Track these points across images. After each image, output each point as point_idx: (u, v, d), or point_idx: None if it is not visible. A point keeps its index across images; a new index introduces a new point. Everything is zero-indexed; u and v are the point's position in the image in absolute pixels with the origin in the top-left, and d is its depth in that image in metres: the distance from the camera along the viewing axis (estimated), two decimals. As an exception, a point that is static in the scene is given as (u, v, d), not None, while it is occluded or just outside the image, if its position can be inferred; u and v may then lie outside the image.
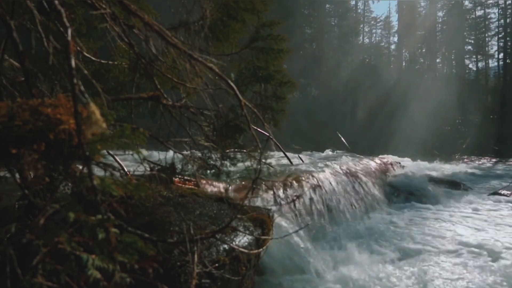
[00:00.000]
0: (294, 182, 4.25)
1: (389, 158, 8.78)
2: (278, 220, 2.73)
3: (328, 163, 5.84)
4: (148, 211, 1.81)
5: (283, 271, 2.73)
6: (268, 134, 1.69)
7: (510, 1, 29.37)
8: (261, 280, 2.59)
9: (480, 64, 32.64)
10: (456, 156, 19.51)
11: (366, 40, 35.97)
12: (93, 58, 1.79)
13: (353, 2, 34.93)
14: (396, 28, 34.89)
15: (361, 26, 34.95)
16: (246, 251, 1.80)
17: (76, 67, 0.70)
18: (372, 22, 36.15)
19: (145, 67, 1.69)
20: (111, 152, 1.73)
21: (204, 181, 2.82)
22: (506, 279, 2.89)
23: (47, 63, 1.19)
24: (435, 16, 32.38)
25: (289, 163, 5.51)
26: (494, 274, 3.00)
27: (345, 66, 31.35)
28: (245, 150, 1.84)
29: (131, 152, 0.78)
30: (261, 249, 2.00)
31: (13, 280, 0.67)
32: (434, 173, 8.75)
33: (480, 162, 16.91)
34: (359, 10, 35.36)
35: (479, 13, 31.94)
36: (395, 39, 35.02)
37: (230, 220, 1.61)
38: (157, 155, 1.83)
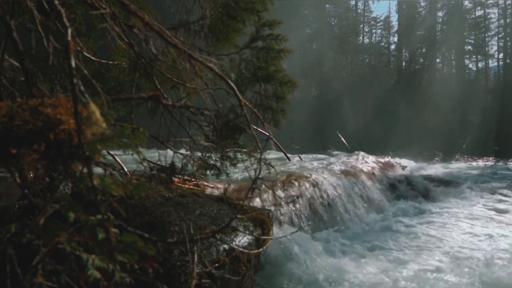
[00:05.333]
0: (294, 182, 4.26)
1: (389, 158, 8.78)
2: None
3: (324, 163, 5.85)
4: (148, 211, 1.81)
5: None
6: (268, 134, 1.69)
7: (510, 1, 29.38)
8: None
9: (480, 64, 32.66)
10: (456, 156, 19.51)
11: (366, 40, 35.94)
12: (93, 58, 1.79)
13: (353, 2, 34.91)
14: (396, 28, 34.87)
15: (361, 26, 34.92)
16: (246, 251, 1.80)
17: (76, 67, 0.70)
18: (372, 22, 36.09)
19: (145, 67, 1.68)
20: (111, 152, 1.73)
21: (206, 183, 2.82)
22: (508, 276, 2.90)
23: (47, 63, 1.19)
24: (435, 16, 32.36)
25: (288, 164, 5.52)
26: (493, 272, 3.00)
27: (345, 66, 31.34)
28: (245, 150, 1.84)
29: (131, 152, 0.78)
30: (261, 249, 2.00)
31: (13, 280, 0.67)
32: (434, 173, 8.75)
33: (480, 162, 16.91)
34: (359, 10, 35.33)
35: (479, 13, 31.94)
36: (395, 39, 34.99)
37: (230, 220, 1.61)
38: (157, 155, 1.83)
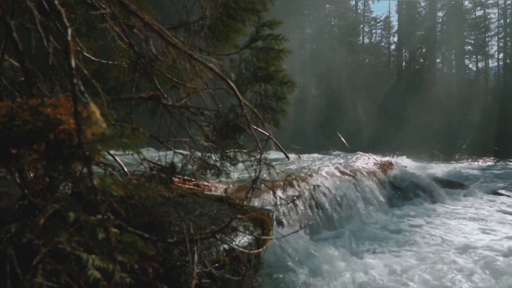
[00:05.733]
0: (294, 182, 4.26)
1: (390, 157, 8.78)
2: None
3: (328, 162, 5.85)
4: (148, 211, 1.81)
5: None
6: (268, 134, 1.69)
7: (510, 1, 29.39)
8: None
9: (480, 64, 32.70)
10: (456, 156, 19.53)
11: (366, 40, 35.96)
12: (93, 58, 1.79)
13: (353, 2, 34.97)
14: (396, 28, 34.89)
15: (361, 26, 34.94)
16: (246, 251, 1.80)
17: (76, 67, 0.70)
18: (372, 22, 36.13)
19: (145, 67, 1.69)
20: (111, 152, 1.73)
21: (206, 183, 2.82)
22: (506, 277, 2.90)
23: (47, 63, 1.19)
24: (435, 16, 32.37)
25: (289, 164, 5.52)
26: (493, 273, 3.00)
27: (345, 66, 31.35)
28: (245, 150, 1.84)
29: (131, 152, 0.78)
30: (261, 249, 2.00)
31: (13, 280, 0.67)
32: (434, 173, 8.75)
33: (480, 162, 16.91)
34: (359, 10, 35.36)
35: (479, 13, 31.97)
36: (395, 39, 35.02)
37: (230, 220, 1.61)
38: (157, 155, 1.83)
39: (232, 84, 1.29)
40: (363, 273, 2.91)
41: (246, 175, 1.70)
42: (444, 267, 3.11)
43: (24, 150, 0.63)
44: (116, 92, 2.07)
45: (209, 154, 1.88)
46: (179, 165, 1.82)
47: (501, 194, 7.17)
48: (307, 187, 4.36)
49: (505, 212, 5.65)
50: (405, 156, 11.38)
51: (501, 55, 30.70)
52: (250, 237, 1.95)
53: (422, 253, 3.55)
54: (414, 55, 32.67)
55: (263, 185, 2.10)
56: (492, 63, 32.09)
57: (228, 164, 1.93)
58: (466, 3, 32.08)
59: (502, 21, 30.77)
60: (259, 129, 1.71)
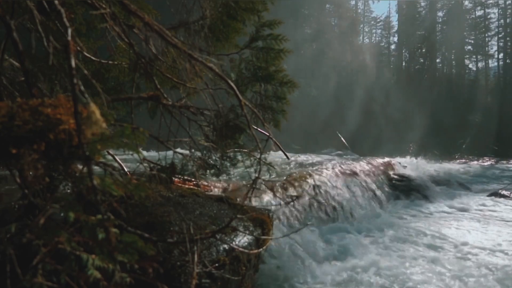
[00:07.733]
0: (294, 182, 4.26)
1: (390, 157, 8.78)
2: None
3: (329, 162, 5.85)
4: (148, 211, 1.81)
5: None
6: (268, 134, 1.69)
7: (510, 1, 29.39)
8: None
9: (480, 64, 32.71)
10: (456, 156, 19.53)
11: (366, 40, 36.01)
12: (93, 58, 1.79)
13: (353, 2, 35.01)
14: (396, 28, 34.94)
15: (361, 26, 34.99)
16: (246, 251, 1.79)
17: (76, 67, 0.70)
18: (372, 22, 36.20)
19: (145, 67, 1.68)
20: (111, 152, 1.73)
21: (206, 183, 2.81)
22: (506, 277, 2.90)
23: (47, 63, 1.19)
24: (435, 16, 32.39)
25: (288, 164, 5.52)
26: (492, 272, 3.01)
27: (345, 66, 31.34)
28: (245, 150, 1.84)
29: (131, 152, 0.78)
30: (261, 249, 2.00)
31: (13, 280, 0.67)
32: (434, 173, 8.75)
33: (480, 162, 16.91)
34: (359, 10, 35.40)
35: (479, 13, 31.99)
36: (395, 39, 35.08)
37: (230, 220, 1.61)
38: (157, 155, 1.83)
39: (232, 84, 1.29)
40: (359, 272, 2.92)
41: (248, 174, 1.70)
42: (439, 266, 3.12)
43: (24, 150, 0.63)
44: (116, 92, 2.07)
45: (209, 154, 1.88)
46: (179, 165, 1.82)
47: (500, 194, 7.17)
48: (307, 187, 4.37)
49: (504, 212, 5.65)
50: (404, 156, 11.38)
51: (501, 55, 30.72)
52: (250, 237, 1.94)
53: (417, 251, 3.56)
54: (414, 55, 32.68)
55: (263, 185, 2.10)
56: (492, 63, 32.13)
57: (228, 164, 1.93)
58: (466, 3, 32.12)
59: (502, 21, 30.77)
60: (259, 129, 1.71)
